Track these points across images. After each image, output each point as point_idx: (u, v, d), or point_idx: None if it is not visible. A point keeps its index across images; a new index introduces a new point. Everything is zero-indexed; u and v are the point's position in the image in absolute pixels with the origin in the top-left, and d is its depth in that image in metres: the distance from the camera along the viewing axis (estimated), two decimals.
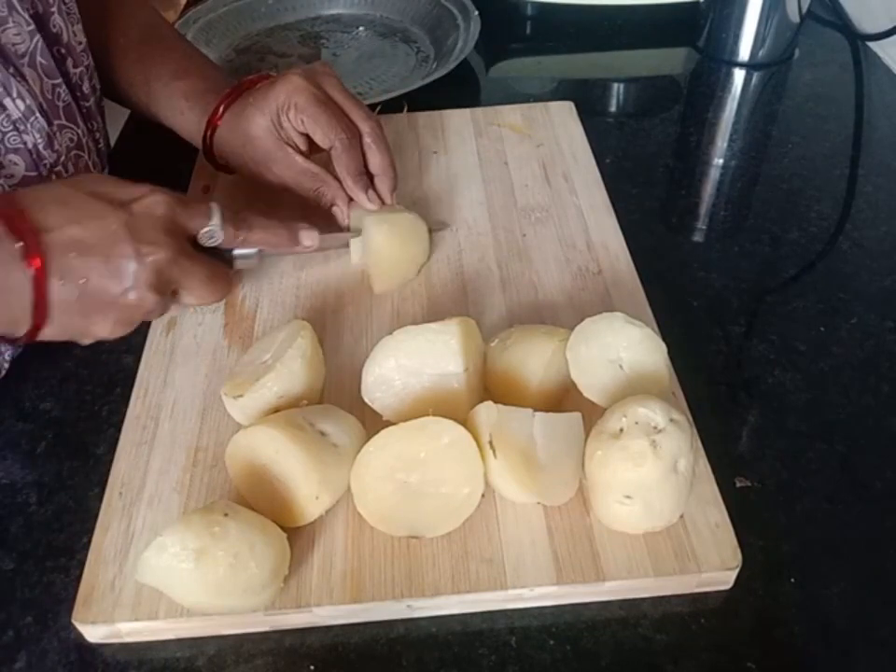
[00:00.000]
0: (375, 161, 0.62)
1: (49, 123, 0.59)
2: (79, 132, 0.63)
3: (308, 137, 0.61)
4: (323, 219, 0.62)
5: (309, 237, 0.57)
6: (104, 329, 0.50)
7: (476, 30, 0.90)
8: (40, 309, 0.47)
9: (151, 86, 0.68)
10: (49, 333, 0.49)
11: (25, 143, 0.57)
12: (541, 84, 0.91)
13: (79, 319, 0.49)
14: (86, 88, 0.65)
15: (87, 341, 0.51)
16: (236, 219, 0.54)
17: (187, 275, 0.51)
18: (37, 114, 0.57)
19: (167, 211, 0.50)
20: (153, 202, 0.50)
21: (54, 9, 0.60)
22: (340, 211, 0.62)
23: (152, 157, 0.70)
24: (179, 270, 0.50)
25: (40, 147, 0.58)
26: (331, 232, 0.62)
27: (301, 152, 0.62)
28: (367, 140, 0.61)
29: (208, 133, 0.65)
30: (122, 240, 0.48)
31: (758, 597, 0.46)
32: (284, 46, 0.97)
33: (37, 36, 0.57)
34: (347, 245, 0.63)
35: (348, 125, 0.61)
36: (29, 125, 0.57)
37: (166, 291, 0.50)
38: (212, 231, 0.52)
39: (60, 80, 0.60)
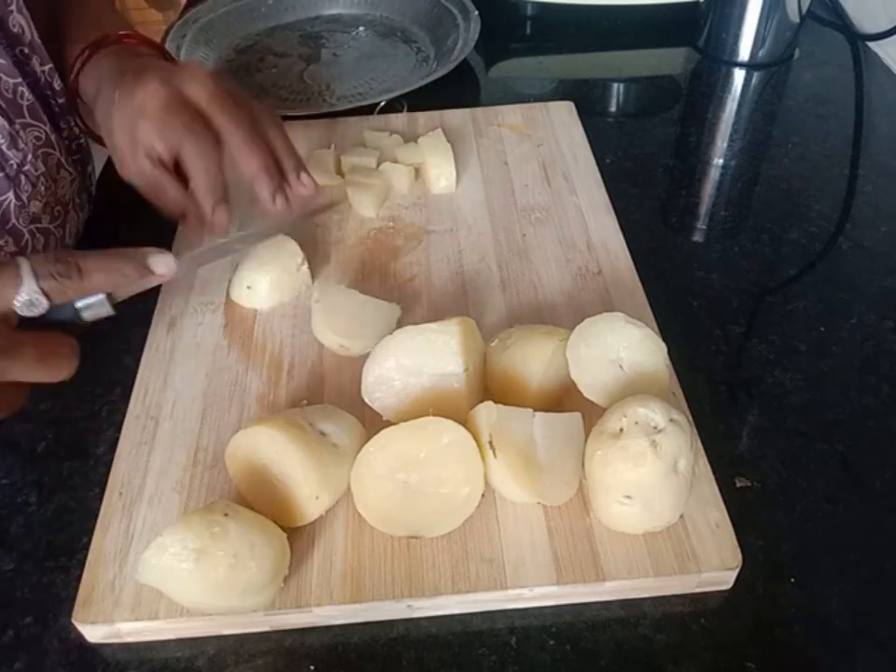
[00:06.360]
0: (245, 166, 0.55)
1: (11, 122, 0.58)
2: (46, 129, 0.62)
3: None
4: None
5: (162, 262, 0.48)
6: None
7: (476, 30, 0.90)
8: None
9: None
10: None
11: None
12: (541, 84, 0.91)
13: None
14: (56, 85, 0.64)
15: None
16: (59, 267, 0.43)
17: (7, 359, 0.42)
18: None
19: None
20: None
21: (13, 8, 0.59)
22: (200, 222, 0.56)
23: None
24: None
25: (3, 146, 0.58)
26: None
27: (158, 159, 0.55)
28: (229, 148, 0.54)
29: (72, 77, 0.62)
30: None
31: (758, 597, 0.46)
32: (284, 46, 0.97)
33: None
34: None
35: (200, 133, 0.53)
36: None
37: None
38: (29, 299, 0.42)
39: (20, 80, 0.59)
